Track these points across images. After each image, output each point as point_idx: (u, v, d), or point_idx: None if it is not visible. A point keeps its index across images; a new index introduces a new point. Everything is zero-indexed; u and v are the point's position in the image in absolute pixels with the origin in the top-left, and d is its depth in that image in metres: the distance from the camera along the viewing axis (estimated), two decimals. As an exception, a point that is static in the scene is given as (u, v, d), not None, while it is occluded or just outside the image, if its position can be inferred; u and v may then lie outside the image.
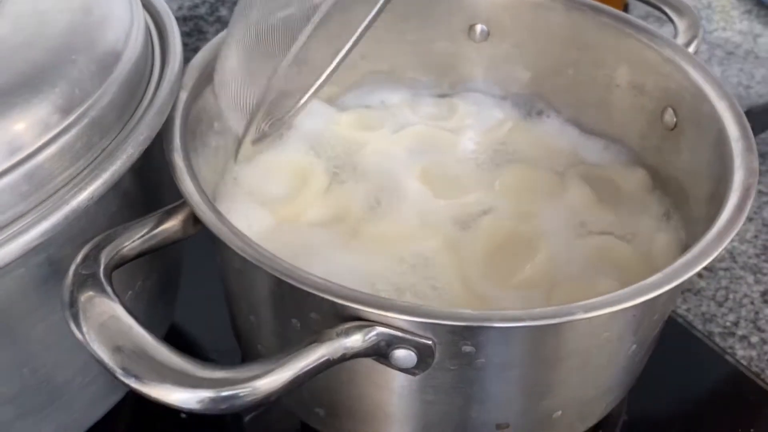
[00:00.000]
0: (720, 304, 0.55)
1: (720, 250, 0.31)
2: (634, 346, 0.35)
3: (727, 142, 0.38)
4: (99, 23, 0.35)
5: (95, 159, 0.33)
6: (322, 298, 0.29)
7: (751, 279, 0.57)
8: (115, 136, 0.34)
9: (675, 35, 0.47)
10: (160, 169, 0.37)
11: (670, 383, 0.48)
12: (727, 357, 0.51)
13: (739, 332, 0.53)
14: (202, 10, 0.66)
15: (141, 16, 0.39)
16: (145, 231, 0.34)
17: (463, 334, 0.29)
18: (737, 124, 0.38)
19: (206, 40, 0.68)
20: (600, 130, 0.50)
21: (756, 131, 0.69)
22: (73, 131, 0.32)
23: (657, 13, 0.49)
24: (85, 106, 0.32)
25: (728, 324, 0.54)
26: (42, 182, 0.31)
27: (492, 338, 0.30)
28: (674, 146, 0.44)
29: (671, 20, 0.47)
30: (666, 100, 0.44)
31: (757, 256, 0.59)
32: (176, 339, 0.48)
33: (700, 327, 0.53)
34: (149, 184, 0.39)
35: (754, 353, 0.52)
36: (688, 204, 0.43)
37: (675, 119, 0.44)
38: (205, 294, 0.46)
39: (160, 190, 0.39)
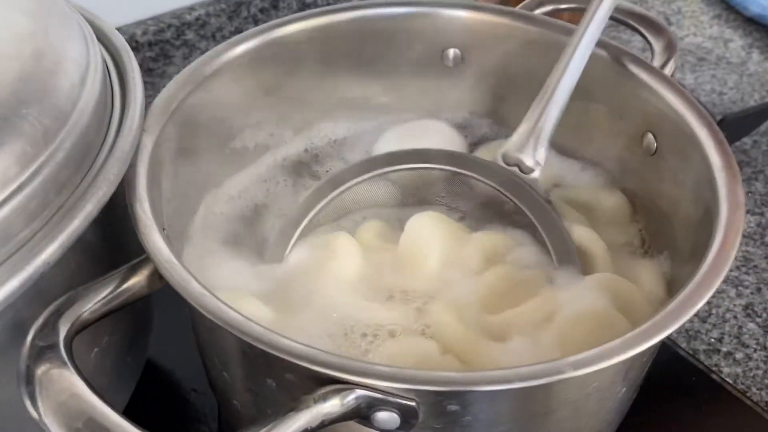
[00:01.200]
0: (703, 320, 0.54)
1: (711, 291, 0.30)
2: (624, 389, 0.34)
3: (711, 171, 0.37)
4: (52, 70, 0.33)
5: (51, 218, 0.31)
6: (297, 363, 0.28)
7: (732, 293, 0.56)
8: (73, 191, 0.32)
9: (651, 56, 0.46)
10: (123, 217, 0.35)
11: (657, 406, 0.47)
12: (713, 376, 0.51)
13: (724, 348, 0.53)
14: (168, 34, 0.64)
15: (98, 55, 0.37)
16: (108, 291, 0.32)
17: (448, 395, 0.28)
18: (720, 152, 0.37)
19: (173, 64, 0.66)
20: (578, 153, 0.49)
21: (731, 140, 0.69)
22: (26, 191, 0.29)
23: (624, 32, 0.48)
24: (38, 163, 0.30)
25: (712, 340, 0.53)
26: (-7, 247, 0.29)
27: (478, 398, 0.28)
28: (655, 171, 0.43)
29: (647, 40, 0.46)
30: (646, 125, 0.43)
31: (738, 268, 0.58)
32: (152, 376, 0.46)
33: (684, 345, 0.53)
34: (113, 234, 0.37)
35: (739, 370, 0.52)
36: (672, 231, 0.42)
37: (655, 144, 0.43)
38: (183, 328, 0.44)
39: (124, 239, 0.37)
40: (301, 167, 0.49)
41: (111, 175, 0.32)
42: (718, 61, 0.81)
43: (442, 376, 0.27)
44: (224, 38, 0.68)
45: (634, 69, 0.43)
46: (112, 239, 0.37)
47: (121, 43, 0.40)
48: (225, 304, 0.30)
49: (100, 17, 0.42)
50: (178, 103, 0.41)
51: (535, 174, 0.43)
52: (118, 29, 0.62)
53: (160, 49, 0.64)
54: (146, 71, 0.65)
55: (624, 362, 0.30)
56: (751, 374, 0.51)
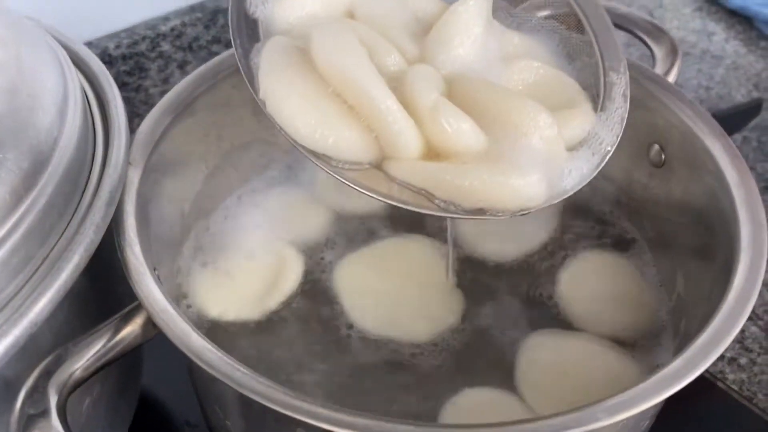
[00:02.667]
0: (705, 326, 0.54)
1: (745, 315, 0.29)
2: (647, 422, 0.33)
3: (727, 187, 0.35)
4: (28, 106, 0.30)
5: (36, 271, 0.28)
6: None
7: (733, 296, 0.55)
8: (58, 239, 0.29)
9: (653, 63, 0.44)
10: (111, 260, 0.33)
11: (663, 418, 0.46)
12: (719, 384, 0.50)
13: (728, 354, 0.52)
14: (143, 47, 0.61)
15: (77, 84, 0.34)
16: (100, 345, 0.30)
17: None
18: (736, 168, 0.36)
19: (149, 77, 0.63)
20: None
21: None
22: (8, 245, 0.27)
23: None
24: (19, 212, 0.28)
25: (715, 346, 0.52)
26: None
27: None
28: (664, 183, 0.42)
29: (649, 47, 0.44)
30: (652, 137, 0.42)
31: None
32: (146, 410, 0.44)
33: (688, 353, 0.52)
34: (100, 279, 0.34)
35: (744, 376, 0.51)
36: (683, 245, 0.40)
37: (663, 156, 0.41)
38: (173, 359, 0.42)
39: (112, 283, 0.35)
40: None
41: (98, 219, 0.29)
42: (702, 54, 0.80)
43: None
44: (201, 48, 0.65)
45: (640, 78, 0.41)
46: (100, 284, 0.34)
47: (99, 68, 0.37)
48: (225, 356, 0.27)
49: (73, 39, 0.39)
50: (164, 129, 0.38)
51: None
52: (90, 43, 0.60)
53: (134, 62, 0.61)
54: (121, 85, 0.62)
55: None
56: (756, 380, 0.51)
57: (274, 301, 0.40)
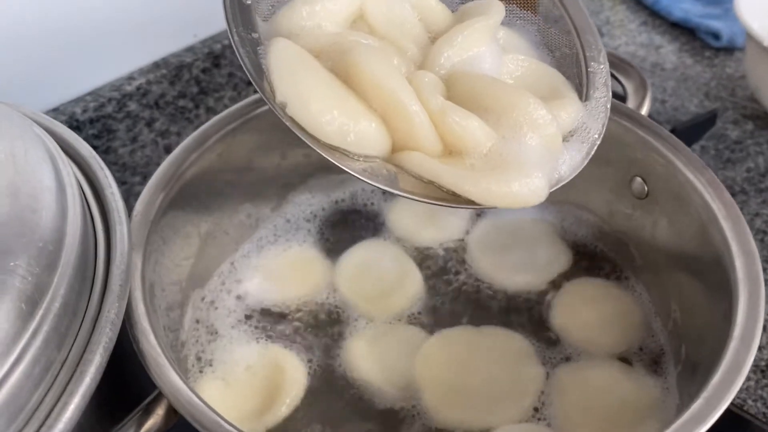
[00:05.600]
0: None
1: (751, 356, 0.30)
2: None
3: (714, 220, 0.37)
4: (31, 207, 0.30)
5: (57, 377, 0.27)
6: None
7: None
8: (74, 340, 0.29)
9: (624, 97, 0.46)
10: (124, 349, 0.32)
11: None
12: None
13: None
14: (109, 108, 0.60)
15: (71, 176, 0.34)
16: (126, 443, 0.29)
17: None
18: (720, 199, 0.37)
19: (117, 138, 0.62)
20: (562, 197, 0.48)
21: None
22: (29, 355, 0.26)
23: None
24: (36, 320, 0.27)
25: (700, 357, 0.54)
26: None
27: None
28: (648, 215, 0.43)
29: (619, 82, 0.46)
30: (634, 170, 0.43)
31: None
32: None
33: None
34: (116, 369, 0.33)
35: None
36: (668, 275, 0.42)
37: (646, 188, 0.43)
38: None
39: (127, 371, 0.34)
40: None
41: (113, 315, 0.29)
42: (653, 68, 0.83)
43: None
44: (168, 104, 0.65)
45: (616, 115, 0.43)
46: (115, 374, 0.33)
47: (88, 152, 0.37)
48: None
49: (58, 123, 0.38)
50: (157, 209, 0.38)
51: None
52: (56, 109, 0.59)
53: (102, 125, 0.61)
54: (90, 150, 0.61)
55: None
56: (744, 386, 0.52)
57: (274, 419, 0.40)
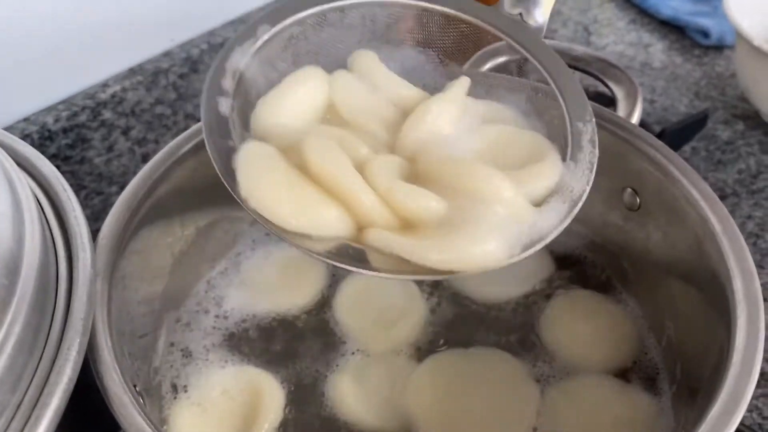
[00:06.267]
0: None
1: (752, 384, 0.28)
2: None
3: (711, 234, 0.35)
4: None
5: (10, 423, 0.25)
6: None
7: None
8: (30, 381, 0.27)
9: (615, 105, 0.44)
10: (86, 379, 0.30)
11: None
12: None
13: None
14: (83, 117, 0.58)
15: (29, 194, 0.32)
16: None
17: None
18: (716, 213, 0.36)
19: (92, 147, 0.60)
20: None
21: (673, 149, 0.69)
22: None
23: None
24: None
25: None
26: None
27: None
28: (641, 227, 0.42)
29: (610, 89, 0.44)
30: (625, 181, 0.42)
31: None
32: None
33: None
34: (77, 401, 0.31)
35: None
36: (662, 290, 0.40)
37: (638, 200, 0.41)
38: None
39: (89, 402, 0.32)
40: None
41: (74, 354, 0.27)
42: (642, 68, 0.82)
43: None
44: (144, 112, 0.63)
45: (605, 123, 0.41)
46: (77, 408, 0.31)
47: (49, 170, 0.35)
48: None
49: (19, 140, 0.36)
50: (125, 230, 0.36)
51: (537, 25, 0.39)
52: (27, 119, 0.57)
53: (76, 134, 0.58)
54: (63, 160, 0.59)
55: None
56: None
57: None
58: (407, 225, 0.34)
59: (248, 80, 0.37)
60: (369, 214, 0.33)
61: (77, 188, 0.59)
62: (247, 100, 0.37)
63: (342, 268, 0.32)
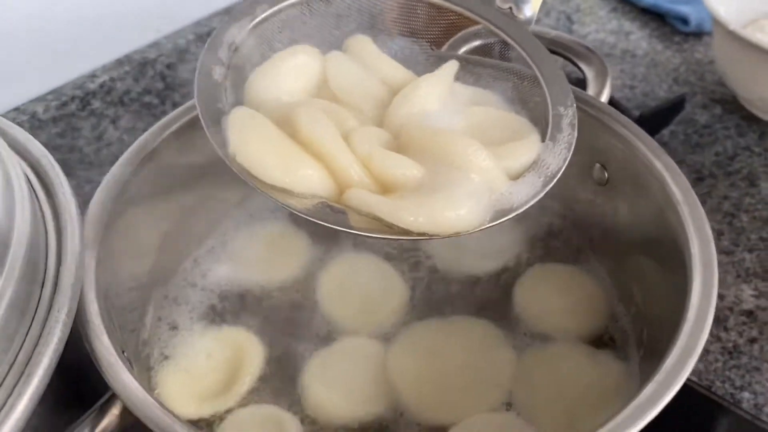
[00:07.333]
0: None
1: (705, 336, 0.30)
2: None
3: (672, 204, 0.37)
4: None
5: (4, 379, 0.27)
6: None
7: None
8: (23, 342, 0.28)
9: (584, 84, 0.46)
10: (78, 348, 0.32)
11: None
12: (678, 378, 0.52)
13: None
14: (72, 107, 0.60)
15: (20, 173, 0.33)
16: (80, 443, 0.29)
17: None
18: (677, 184, 0.38)
19: (82, 137, 0.61)
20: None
21: (650, 134, 0.71)
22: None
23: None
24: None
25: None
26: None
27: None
28: (609, 201, 0.43)
29: (580, 69, 0.46)
30: (594, 157, 0.43)
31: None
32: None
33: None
34: (70, 368, 0.33)
35: (701, 366, 0.52)
36: (630, 260, 0.42)
37: (606, 175, 0.43)
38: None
39: (82, 370, 0.34)
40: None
41: (63, 316, 0.29)
42: (623, 54, 0.83)
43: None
44: (133, 101, 0.64)
45: (580, 104, 0.42)
46: (69, 374, 0.33)
47: (39, 150, 0.36)
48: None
49: (9, 123, 0.38)
50: (113, 208, 0.38)
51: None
52: (17, 108, 0.58)
53: (66, 123, 0.60)
54: (53, 148, 0.60)
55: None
56: (712, 368, 0.52)
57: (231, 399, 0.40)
58: (386, 190, 0.35)
59: (243, 55, 0.39)
60: (349, 175, 0.34)
61: (68, 177, 0.61)
62: (241, 75, 0.38)
63: (323, 226, 0.33)
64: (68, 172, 0.61)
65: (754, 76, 0.68)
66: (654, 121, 0.70)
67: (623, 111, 0.71)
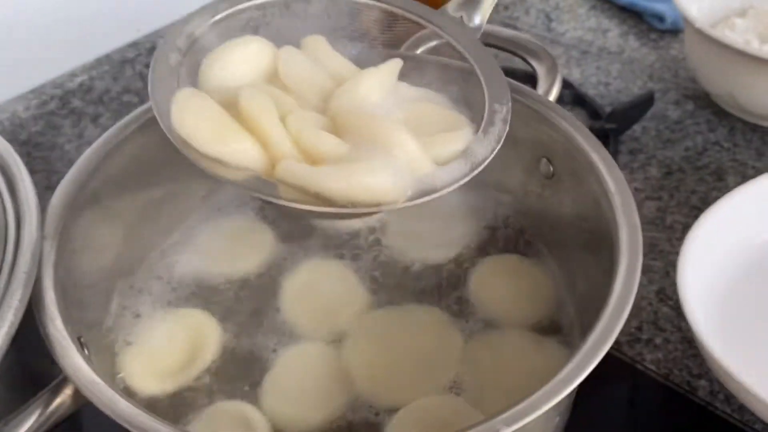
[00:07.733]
0: (622, 312, 0.57)
1: (627, 311, 0.32)
2: (558, 418, 0.36)
3: (606, 194, 0.39)
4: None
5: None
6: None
7: (644, 280, 0.59)
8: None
9: (535, 81, 0.48)
10: (30, 330, 0.34)
11: (589, 406, 0.49)
12: (638, 365, 0.53)
13: (644, 336, 0.55)
14: (52, 105, 0.62)
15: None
16: (32, 420, 0.31)
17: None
18: (612, 176, 0.39)
19: (63, 135, 0.63)
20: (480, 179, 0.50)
21: (622, 129, 0.72)
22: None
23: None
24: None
25: (633, 330, 0.55)
26: None
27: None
28: (555, 194, 0.45)
29: (531, 66, 0.48)
30: (540, 151, 0.45)
31: (645, 255, 0.61)
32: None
33: (608, 340, 0.55)
34: (23, 351, 0.35)
35: (660, 355, 0.54)
36: (573, 250, 0.44)
37: (551, 168, 0.45)
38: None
39: (40, 354, 0.36)
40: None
41: (15, 302, 0.31)
42: (599, 52, 0.84)
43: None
44: (112, 100, 0.66)
45: (524, 99, 0.44)
46: (26, 357, 0.35)
47: (2, 146, 0.38)
48: (159, 421, 0.29)
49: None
50: (75, 200, 0.40)
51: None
52: (-4, 107, 0.60)
53: (45, 122, 0.62)
54: (35, 146, 0.62)
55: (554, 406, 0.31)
56: (671, 357, 0.54)
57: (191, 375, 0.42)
58: (315, 165, 0.37)
59: (201, 48, 0.41)
60: (280, 150, 0.37)
61: (49, 173, 0.63)
62: (196, 67, 0.41)
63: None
64: (49, 169, 0.63)
65: (722, 73, 0.69)
66: (624, 116, 0.72)
67: (595, 107, 0.73)
